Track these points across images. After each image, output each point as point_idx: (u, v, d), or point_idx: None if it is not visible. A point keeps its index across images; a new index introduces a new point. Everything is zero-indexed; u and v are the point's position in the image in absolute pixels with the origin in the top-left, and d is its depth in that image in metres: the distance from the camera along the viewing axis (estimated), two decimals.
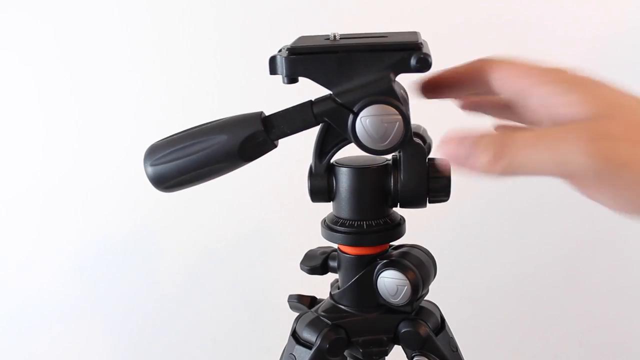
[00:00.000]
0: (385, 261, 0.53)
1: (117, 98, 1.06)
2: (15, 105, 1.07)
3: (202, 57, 1.05)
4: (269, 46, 0.51)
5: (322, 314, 0.56)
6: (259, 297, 1.15)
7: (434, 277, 0.56)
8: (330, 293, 0.58)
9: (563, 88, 0.39)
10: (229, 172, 0.49)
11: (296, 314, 0.59)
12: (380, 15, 1.00)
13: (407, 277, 0.51)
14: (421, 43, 0.46)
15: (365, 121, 0.46)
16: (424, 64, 0.45)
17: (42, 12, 1.03)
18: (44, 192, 1.11)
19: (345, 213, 0.53)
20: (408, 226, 0.55)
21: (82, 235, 1.13)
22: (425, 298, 0.57)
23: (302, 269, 0.59)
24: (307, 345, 0.55)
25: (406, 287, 0.52)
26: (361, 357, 0.55)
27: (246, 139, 0.47)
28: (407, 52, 0.45)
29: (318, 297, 0.62)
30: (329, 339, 0.54)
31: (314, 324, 0.56)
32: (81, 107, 1.07)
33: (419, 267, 0.53)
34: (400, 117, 0.46)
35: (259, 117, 0.48)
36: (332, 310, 0.56)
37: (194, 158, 0.48)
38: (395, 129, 0.46)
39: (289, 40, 0.48)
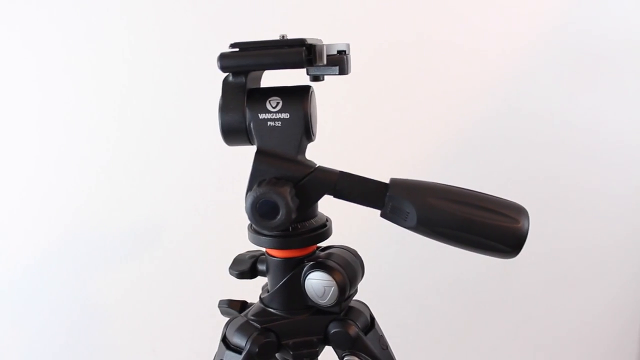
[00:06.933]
0: (311, 263, 0.53)
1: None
2: None
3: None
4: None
5: (252, 318, 0.56)
6: (194, 303, 1.14)
7: (362, 276, 0.57)
8: (260, 297, 0.58)
9: None
10: None
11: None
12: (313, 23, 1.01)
13: (333, 277, 0.52)
14: None
15: None
16: None
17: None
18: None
19: None
20: (347, 227, 0.56)
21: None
22: (356, 298, 0.58)
23: (231, 273, 0.59)
24: (237, 350, 0.55)
25: (333, 287, 0.52)
26: None
27: None
28: None
29: (249, 301, 0.62)
30: (258, 342, 0.54)
31: (244, 329, 0.55)
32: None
33: (346, 267, 0.53)
34: None
35: None
36: (262, 314, 0.56)
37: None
38: None
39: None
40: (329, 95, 0.68)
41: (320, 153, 0.57)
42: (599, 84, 1.08)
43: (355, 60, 0.55)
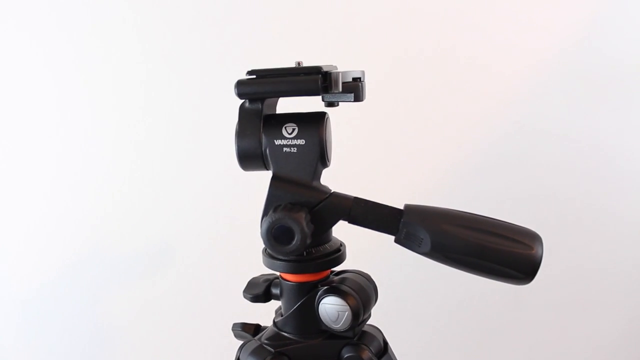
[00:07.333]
0: (326, 287, 0.53)
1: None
2: None
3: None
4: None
5: (266, 341, 0.56)
6: (207, 325, 1.14)
7: (375, 301, 0.57)
8: (274, 320, 0.58)
9: None
10: None
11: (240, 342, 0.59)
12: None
13: (347, 302, 0.52)
14: None
15: None
16: None
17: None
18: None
19: None
20: (357, 251, 0.56)
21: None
22: (369, 322, 0.58)
23: (245, 297, 0.59)
24: None
25: (347, 312, 0.52)
26: None
27: None
28: None
29: (263, 324, 0.62)
30: None
31: (257, 353, 0.55)
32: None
33: (359, 292, 0.53)
34: None
35: None
36: (275, 337, 0.56)
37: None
38: None
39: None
40: (342, 118, 0.69)
41: (334, 176, 0.58)
42: (616, 104, 1.08)
43: (369, 82, 0.56)
